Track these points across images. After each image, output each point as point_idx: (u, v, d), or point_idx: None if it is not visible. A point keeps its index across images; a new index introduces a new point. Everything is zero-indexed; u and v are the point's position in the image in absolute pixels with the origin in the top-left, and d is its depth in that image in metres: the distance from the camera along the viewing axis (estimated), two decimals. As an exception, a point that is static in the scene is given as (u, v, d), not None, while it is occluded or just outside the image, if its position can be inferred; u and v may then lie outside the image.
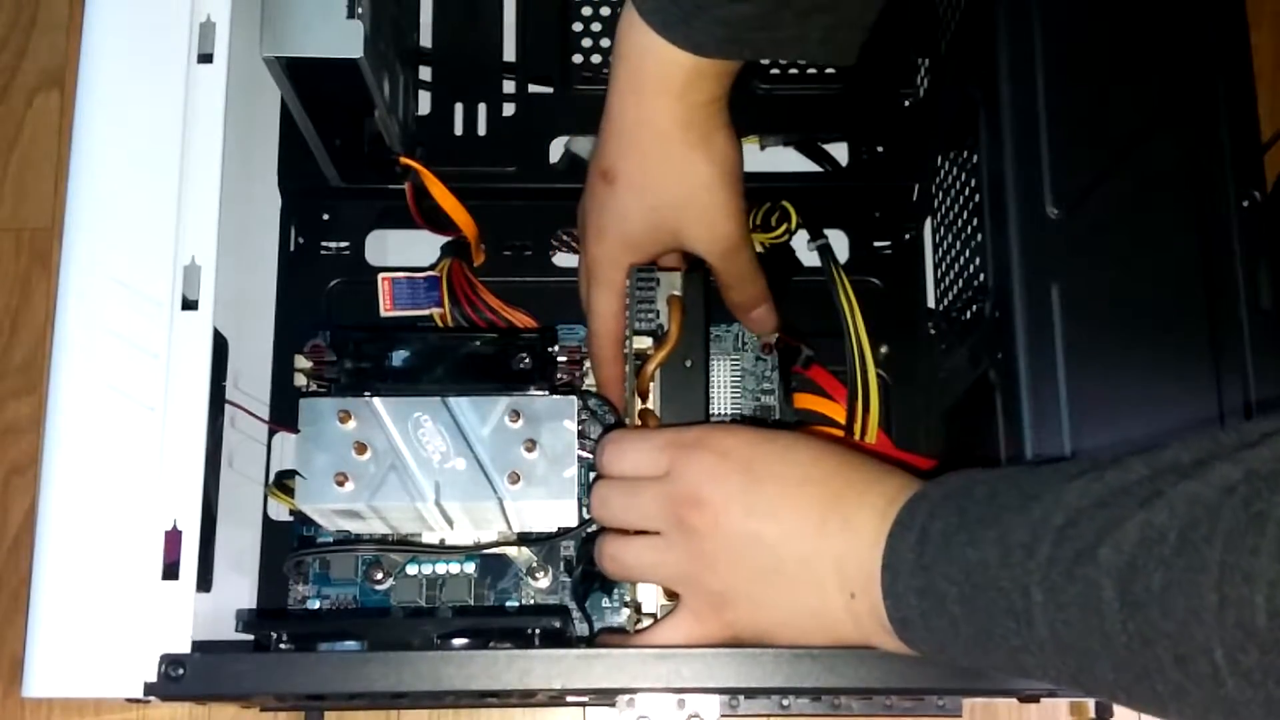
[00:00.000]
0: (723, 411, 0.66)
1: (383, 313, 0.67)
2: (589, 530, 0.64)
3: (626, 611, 0.58)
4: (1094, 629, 0.37)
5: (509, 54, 0.72)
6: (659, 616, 0.54)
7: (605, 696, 0.52)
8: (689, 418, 0.57)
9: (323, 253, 0.69)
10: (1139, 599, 0.35)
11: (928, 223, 0.69)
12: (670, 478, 0.50)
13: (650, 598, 0.54)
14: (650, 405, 0.57)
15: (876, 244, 0.70)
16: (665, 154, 0.56)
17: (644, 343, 0.58)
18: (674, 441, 0.51)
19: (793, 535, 0.47)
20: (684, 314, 0.57)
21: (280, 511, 0.64)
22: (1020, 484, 0.41)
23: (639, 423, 0.58)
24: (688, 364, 0.57)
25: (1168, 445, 0.38)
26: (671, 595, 0.53)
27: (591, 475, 0.59)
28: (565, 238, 0.70)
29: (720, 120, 0.57)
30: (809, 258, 0.68)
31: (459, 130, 0.70)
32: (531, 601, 0.64)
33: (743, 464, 0.49)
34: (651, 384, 0.58)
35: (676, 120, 0.55)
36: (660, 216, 0.58)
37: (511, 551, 0.64)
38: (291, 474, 0.58)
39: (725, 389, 0.67)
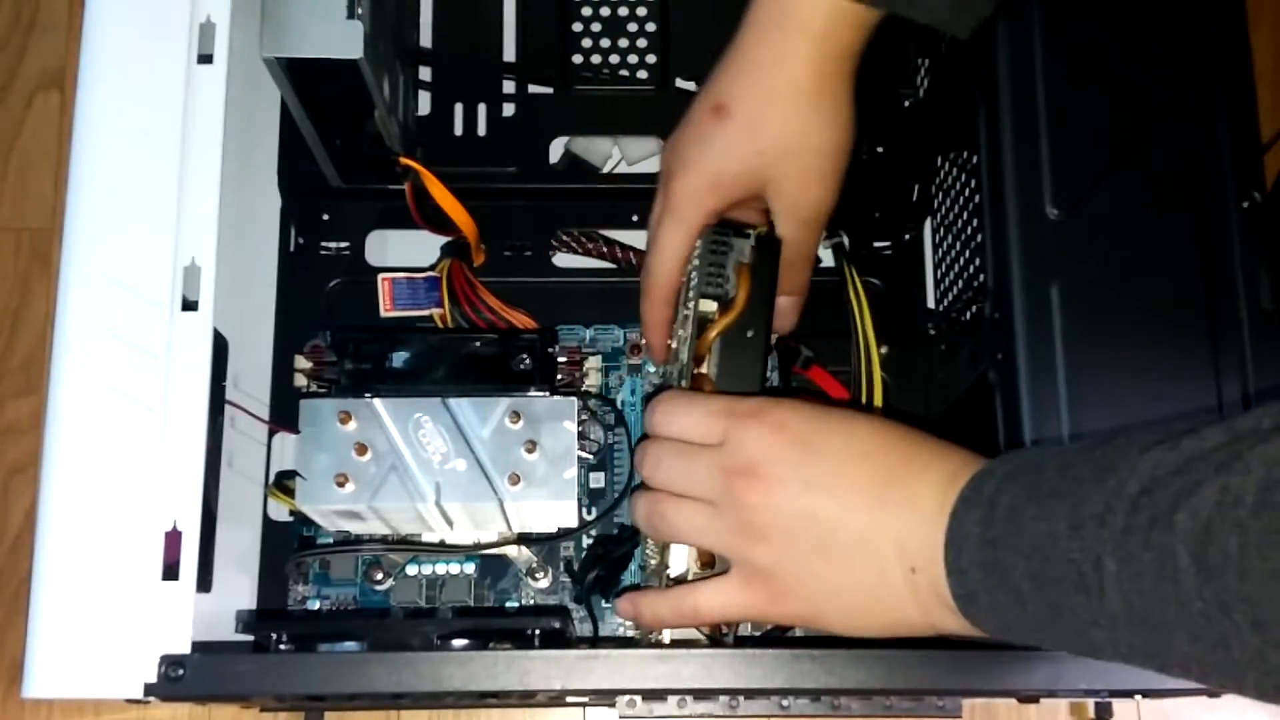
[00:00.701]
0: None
1: (383, 313, 0.67)
2: (592, 532, 0.65)
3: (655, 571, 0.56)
4: (1169, 598, 0.36)
5: (509, 54, 0.72)
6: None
7: (605, 697, 0.52)
8: (743, 389, 0.55)
9: (323, 253, 0.69)
10: (1215, 564, 0.35)
11: (928, 223, 0.69)
12: (725, 448, 0.49)
13: (679, 563, 0.53)
14: (705, 371, 0.56)
15: (876, 244, 0.70)
16: (792, 100, 0.54)
17: (708, 307, 0.56)
18: (730, 410, 0.49)
19: (851, 510, 0.46)
20: (753, 284, 0.55)
21: (280, 512, 0.64)
22: (1093, 456, 0.40)
23: (689, 386, 0.56)
24: (749, 334, 0.55)
25: (1247, 413, 0.37)
26: (707, 564, 0.52)
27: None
28: (565, 238, 0.70)
29: (849, 88, 0.55)
30: (824, 256, 0.68)
31: (459, 130, 0.70)
32: (531, 602, 0.64)
33: (800, 438, 0.48)
34: (709, 355, 0.56)
35: (811, 67, 0.54)
36: (763, 163, 0.56)
37: (511, 552, 0.64)
38: (291, 474, 0.58)
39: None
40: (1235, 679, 0.36)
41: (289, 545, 0.64)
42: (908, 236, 0.70)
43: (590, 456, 0.66)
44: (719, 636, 0.54)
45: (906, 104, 0.70)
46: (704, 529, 0.50)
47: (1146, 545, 0.36)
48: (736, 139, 0.56)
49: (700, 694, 0.52)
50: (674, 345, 0.58)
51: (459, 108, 0.70)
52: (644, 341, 0.64)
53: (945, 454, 0.46)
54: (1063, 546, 0.39)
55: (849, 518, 0.46)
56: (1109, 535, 0.38)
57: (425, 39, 0.72)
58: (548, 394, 0.59)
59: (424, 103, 0.70)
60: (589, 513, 0.65)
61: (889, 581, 0.45)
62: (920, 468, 0.46)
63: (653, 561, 0.55)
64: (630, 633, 0.64)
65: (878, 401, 0.61)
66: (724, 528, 0.49)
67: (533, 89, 0.71)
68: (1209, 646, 0.36)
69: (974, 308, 0.59)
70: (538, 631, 0.56)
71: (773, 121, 0.55)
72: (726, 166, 0.56)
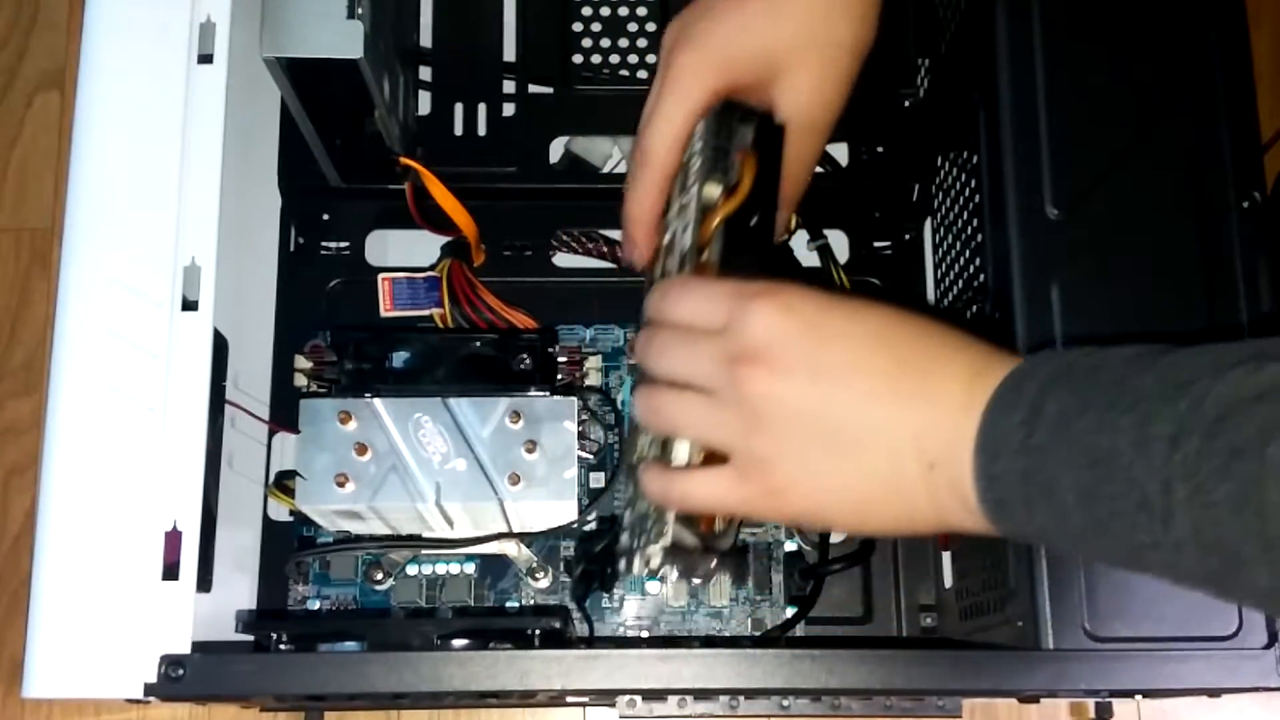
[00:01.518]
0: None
1: (383, 313, 0.67)
2: (589, 527, 0.65)
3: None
4: (1251, 532, 0.34)
5: (509, 54, 0.72)
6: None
7: (605, 697, 0.52)
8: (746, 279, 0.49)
9: (323, 253, 0.69)
10: None
11: (928, 223, 0.69)
12: (729, 333, 0.45)
13: (680, 458, 0.49)
14: (706, 260, 0.52)
15: (876, 244, 0.70)
16: None
17: (712, 191, 0.52)
18: (737, 292, 0.46)
19: (864, 400, 0.43)
20: (760, 168, 0.52)
21: (280, 512, 0.64)
22: (1154, 369, 0.38)
23: (681, 276, 0.52)
24: (753, 222, 0.52)
25: None
26: (710, 459, 0.49)
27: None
28: (565, 238, 0.70)
29: (877, 4, 0.53)
30: (808, 258, 0.68)
31: (459, 130, 0.70)
32: (531, 602, 0.64)
33: (810, 322, 0.44)
34: (711, 243, 0.52)
35: None
36: (778, 50, 0.53)
37: (511, 551, 0.64)
38: (291, 474, 0.58)
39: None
40: None
41: (289, 545, 0.64)
42: (908, 236, 0.70)
43: (590, 456, 0.66)
44: (709, 542, 0.51)
45: (906, 104, 0.70)
46: (702, 420, 0.47)
47: (1227, 474, 0.35)
48: (755, 18, 0.52)
49: (700, 694, 0.52)
50: (665, 240, 0.55)
51: (459, 108, 0.70)
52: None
53: (967, 345, 0.44)
54: (1124, 464, 0.37)
55: (861, 409, 0.43)
56: (1181, 459, 0.36)
57: (425, 39, 0.72)
58: (548, 394, 0.59)
59: (424, 103, 0.70)
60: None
61: (902, 478, 0.43)
62: (942, 358, 0.43)
63: (651, 455, 0.52)
64: (631, 632, 0.64)
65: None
66: (725, 418, 0.46)
67: (533, 89, 0.71)
68: None
69: (974, 308, 0.59)
70: (538, 631, 0.56)
71: (797, 8, 0.52)
72: (741, 46, 0.53)
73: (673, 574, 0.51)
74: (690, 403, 0.47)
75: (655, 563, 0.50)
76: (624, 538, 0.52)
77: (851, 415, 0.43)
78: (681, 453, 0.49)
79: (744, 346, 0.44)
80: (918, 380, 0.43)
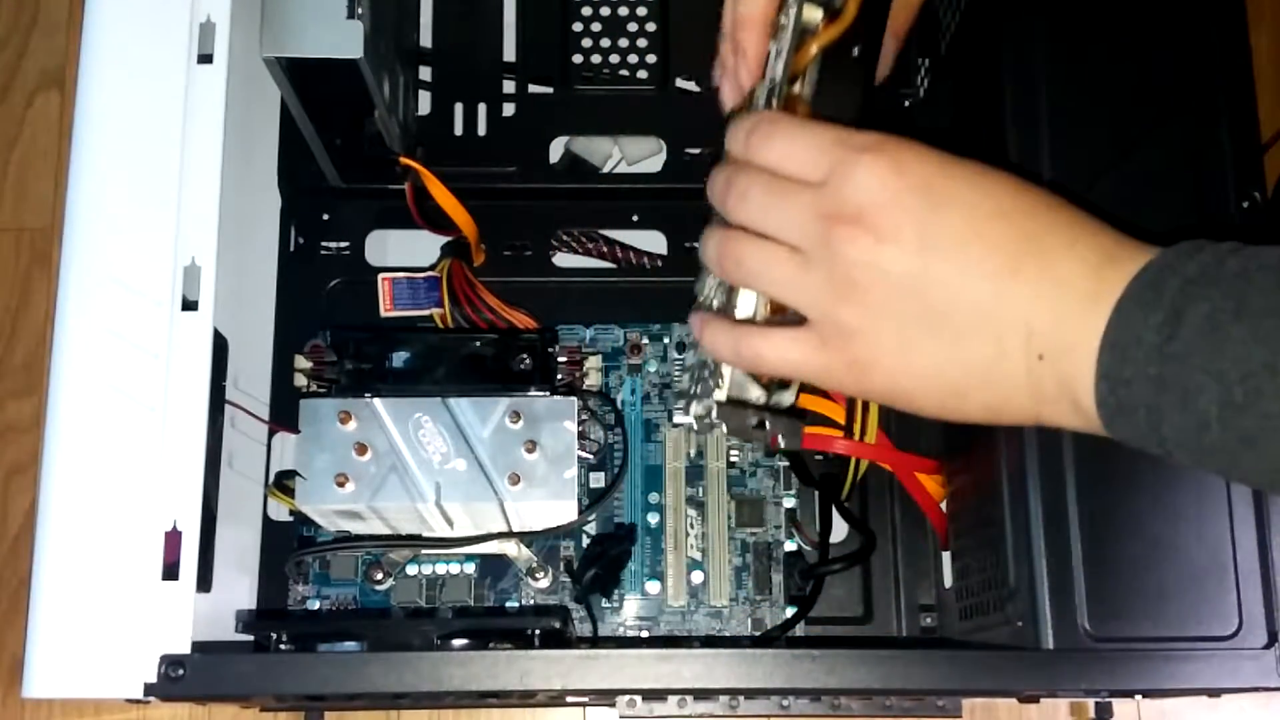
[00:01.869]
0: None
1: (383, 313, 0.67)
2: (591, 530, 0.65)
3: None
4: None
5: (509, 54, 0.72)
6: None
7: (605, 697, 0.52)
8: (842, 117, 0.46)
9: (323, 253, 0.69)
10: None
11: (928, 223, 0.69)
12: (829, 187, 0.41)
13: (746, 308, 0.46)
14: (798, 91, 0.48)
15: (876, 244, 0.70)
16: None
17: (813, 14, 0.47)
18: (842, 142, 0.41)
19: (974, 277, 0.39)
20: None
21: (280, 511, 0.64)
22: None
23: (779, 109, 0.47)
24: (855, 52, 0.48)
25: None
26: (778, 311, 0.46)
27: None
28: (565, 238, 0.70)
29: None
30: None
31: (459, 130, 0.70)
32: (531, 601, 0.64)
33: (923, 184, 0.40)
34: (806, 72, 0.48)
35: None
36: None
37: (511, 551, 0.64)
38: (291, 474, 0.58)
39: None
40: None
41: (289, 545, 0.64)
42: (908, 236, 0.70)
43: (590, 456, 0.66)
44: (765, 400, 0.48)
45: (906, 104, 0.70)
46: (788, 280, 0.42)
47: None
48: None
49: (700, 694, 0.52)
50: (763, 76, 0.49)
51: (459, 108, 0.70)
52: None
53: (1096, 229, 0.40)
54: None
55: (971, 286, 0.39)
56: None
57: (425, 39, 0.72)
58: (548, 394, 0.59)
59: (424, 103, 0.70)
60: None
61: (1004, 366, 0.39)
62: (1066, 239, 0.39)
63: (714, 302, 0.49)
64: (631, 632, 0.64)
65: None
66: (813, 281, 0.41)
67: (533, 89, 0.71)
68: None
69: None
70: (538, 631, 0.56)
71: None
72: None
73: (721, 428, 0.48)
74: (775, 258, 0.42)
75: (709, 414, 0.47)
76: (684, 380, 0.49)
77: (959, 292, 0.39)
78: (748, 304, 0.46)
79: (845, 205, 0.40)
80: (1039, 260, 0.39)
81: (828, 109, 0.47)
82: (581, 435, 0.63)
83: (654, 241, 0.70)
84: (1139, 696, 0.54)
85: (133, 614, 0.49)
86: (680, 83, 0.71)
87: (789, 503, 0.66)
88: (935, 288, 0.40)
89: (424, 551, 0.63)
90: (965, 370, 0.40)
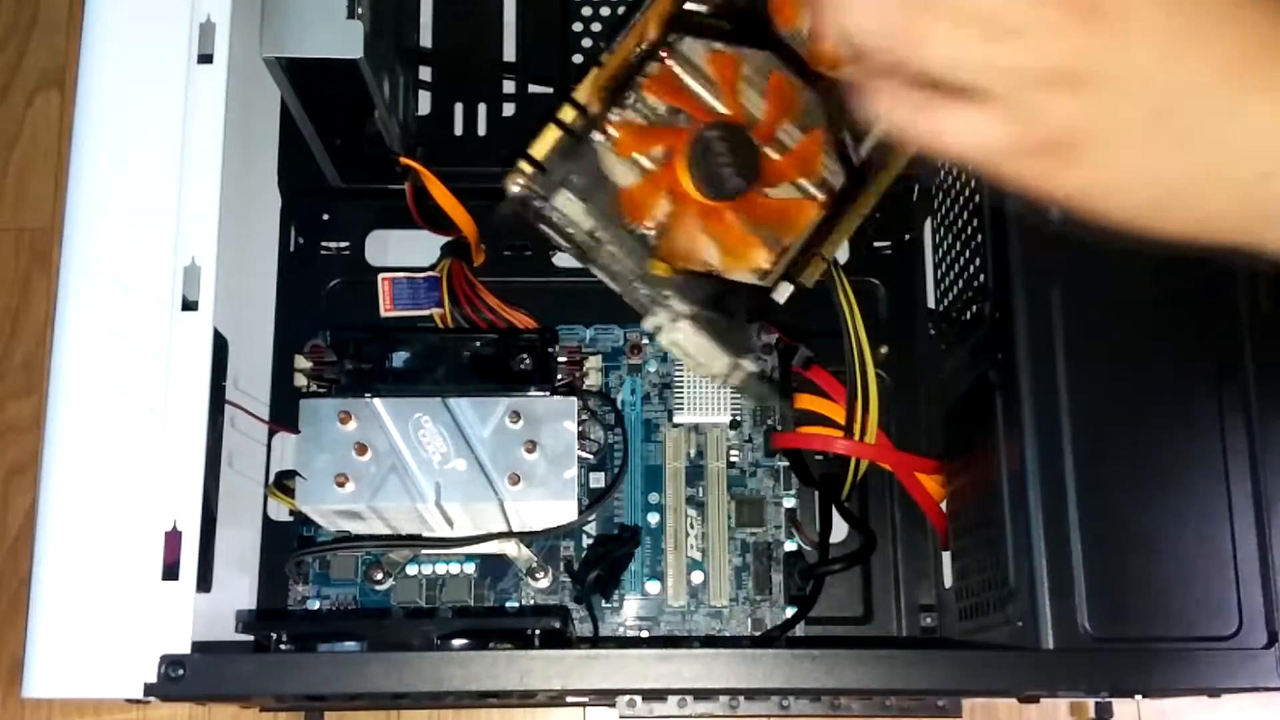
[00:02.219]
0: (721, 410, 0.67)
1: (383, 313, 0.67)
2: (592, 531, 0.65)
3: None
4: None
5: (509, 54, 0.72)
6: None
7: (605, 697, 0.52)
8: None
9: (323, 253, 0.69)
10: None
11: (928, 223, 0.69)
12: None
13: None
14: None
15: (876, 244, 0.70)
16: None
17: None
18: None
19: (1206, 81, 0.35)
20: None
21: (280, 511, 0.64)
22: None
23: None
24: None
25: None
26: None
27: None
28: (565, 238, 0.70)
29: None
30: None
31: (459, 130, 0.70)
32: (531, 602, 0.64)
33: None
34: None
35: None
36: None
37: (511, 551, 0.64)
38: (291, 474, 0.58)
39: (724, 390, 0.67)
40: None
41: (289, 545, 0.64)
42: (908, 236, 0.70)
43: (590, 456, 0.66)
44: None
45: (906, 104, 0.70)
46: (982, 59, 0.36)
47: None
48: None
49: (700, 694, 0.52)
50: None
51: (459, 108, 0.70)
52: None
53: None
54: None
55: (1203, 90, 0.35)
56: None
57: (425, 39, 0.72)
58: (548, 394, 0.59)
59: (424, 103, 0.70)
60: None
61: (1219, 180, 0.36)
62: None
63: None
64: (631, 632, 0.64)
65: (873, 400, 0.61)
66: (1017, 55, 0.35)
67: (533, 89, 0.71)
68: None
69: (974, 308, 0.59)
70: (538, 631, 0.56)
71: None
72: None
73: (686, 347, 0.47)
74: (967, 32, 0.36)
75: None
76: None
77: (1189, 95, 0.35)
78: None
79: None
80: (1274, 69, 0.35)
81: None
82: (581, 435, 0.63)
83: (654, 241, 0.70)
84: (1139, 696, 0.54)
85: (133, 614, 0.49)
86: (680, 83, 0.71)
87: (789, 503, 0.66)
88: (1168, 88, 0.35)
89: (424, 551, 0.63)
90: (1178, 182, 0.36)
